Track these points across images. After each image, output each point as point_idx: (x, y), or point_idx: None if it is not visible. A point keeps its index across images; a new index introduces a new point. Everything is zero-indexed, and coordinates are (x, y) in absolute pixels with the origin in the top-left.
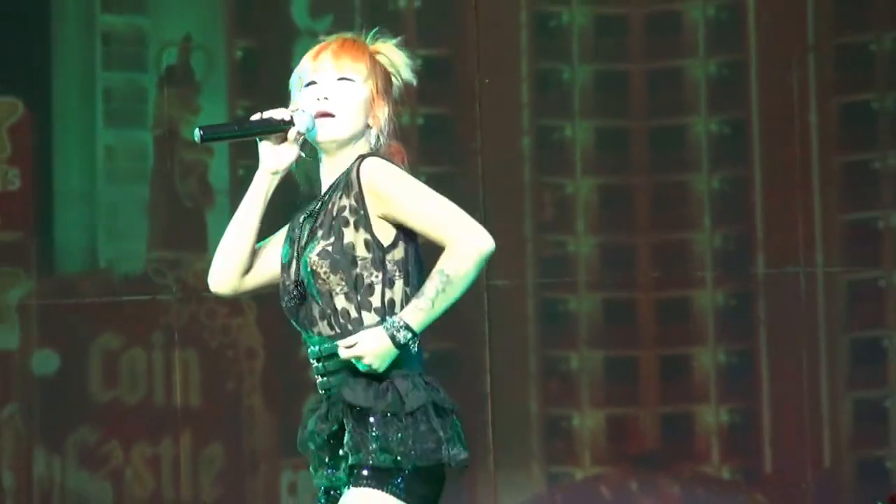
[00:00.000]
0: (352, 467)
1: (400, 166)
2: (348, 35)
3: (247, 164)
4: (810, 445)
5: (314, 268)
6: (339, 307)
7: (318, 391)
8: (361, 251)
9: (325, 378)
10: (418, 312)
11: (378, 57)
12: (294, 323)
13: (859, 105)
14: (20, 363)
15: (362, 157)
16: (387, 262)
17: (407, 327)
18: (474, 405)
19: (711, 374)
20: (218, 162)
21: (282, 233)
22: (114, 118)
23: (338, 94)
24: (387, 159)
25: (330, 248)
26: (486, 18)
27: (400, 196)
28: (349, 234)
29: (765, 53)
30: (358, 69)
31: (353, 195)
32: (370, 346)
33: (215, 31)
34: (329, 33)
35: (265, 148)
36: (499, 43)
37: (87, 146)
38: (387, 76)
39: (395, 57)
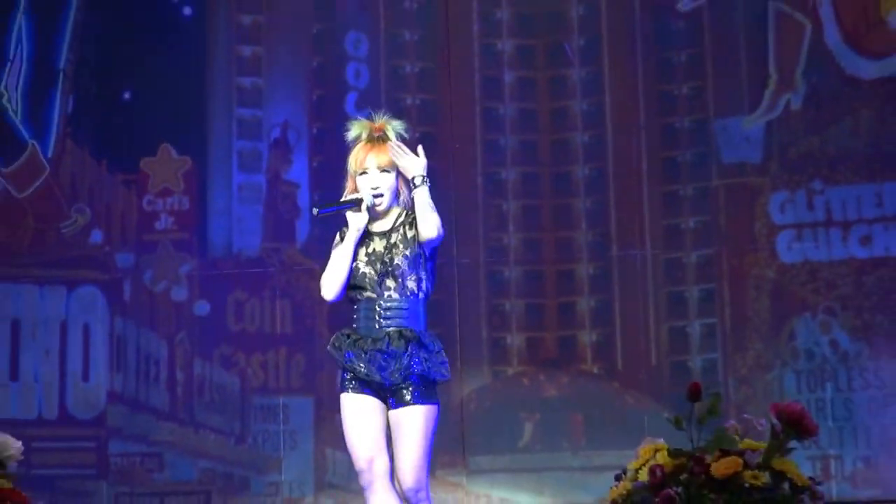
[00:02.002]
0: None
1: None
2: (377, 124)
3: (318, 194)
4: (643, 353)
5: (399, 264)
6: (407, 284)
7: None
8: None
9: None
10: (428, 198)
11: (392, 143)
12: (370, 292)
13: (671, 158)
14: (187, 308)
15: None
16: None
17: (423, 185)
18: (449, 332)
19: (587, 312)
20: (302, 192)
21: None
22: (243, 167)
23: (383, 182)
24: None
25: (408, 254)
26: (457, 110)
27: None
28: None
29: (616, 129)
30: (390, 163)
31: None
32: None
33: (302, 117)
34: (366, 118)
35: (351, 215)
36: (462, 122)
37: (227, 183)
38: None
39: (398, 128)
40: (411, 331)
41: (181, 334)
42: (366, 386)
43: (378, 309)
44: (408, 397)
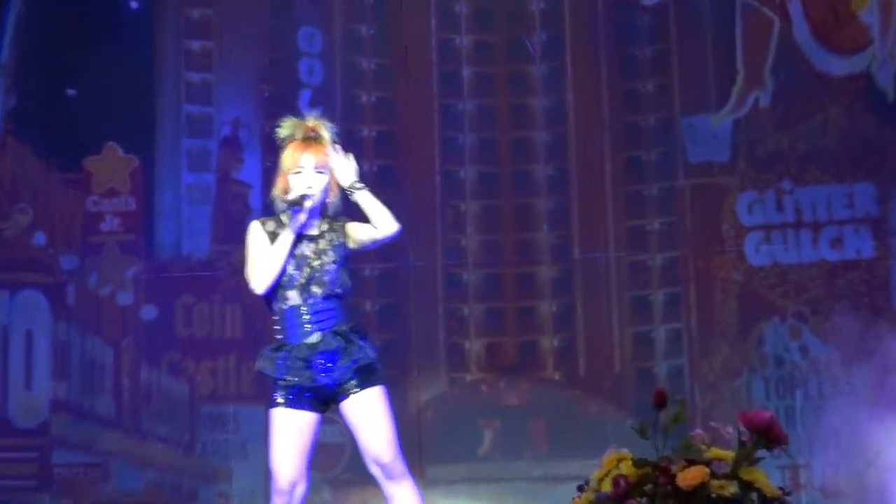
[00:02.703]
0: (360, 369)
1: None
2: (311, 124)
3: (270, 194)
4: (607, 359)
5: (329, 270)
6: (334, 290)
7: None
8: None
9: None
10: (370, 195)
11: (327, 144)
12: (299, 295)
13: (635, 158)
14: (133, 313)
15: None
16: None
17: (364, 187)
18: (406, 338)
19: (548, 317)
20: (254, 192)
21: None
22: (192, 166)
23: (317, 182)
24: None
25: (337, 260)
26: (414, 107)
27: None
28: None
29: (579, 127)
30: (325, 164)
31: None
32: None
33: (253, 114)
34: (320, 116)
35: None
36: (420, 120)
37: (175, 183)
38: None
39: (329, 130)
40: (341, 325)
41: (127, 340)
42: (303, 400)
43: (304, 315)
44: (358, 385)
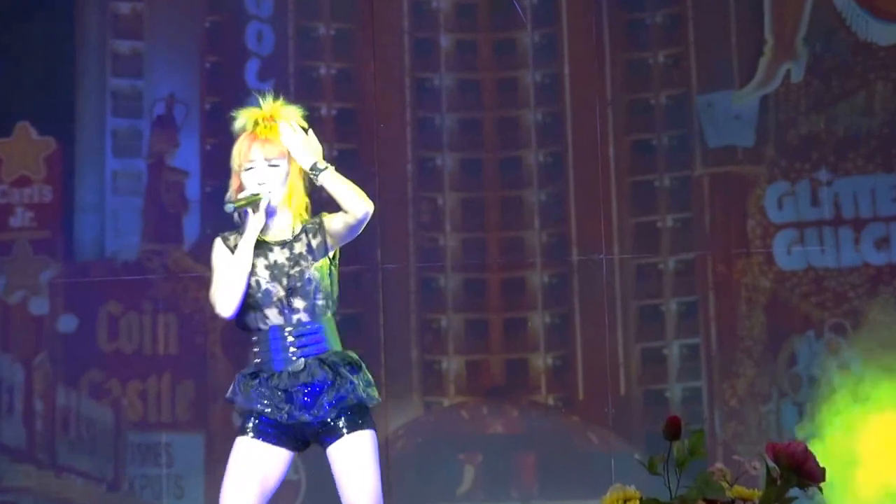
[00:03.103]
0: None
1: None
2: (267, 111)
3: (211, 184)
4: (610, 380)
5: (311, 278)
6: (318, 303)
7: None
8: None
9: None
10: (336, 175)
11: (285, 127)
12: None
13: (644, 142)
14: (49, 324)
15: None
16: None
17: (327, 167)
18: (372, 353)
19: (541, 330)
20: (192, 181)
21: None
22: (119, 150)
23: (271, 178)
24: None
25: (319, 266)
26: (382, 81)
27: None
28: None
29: (577, 105)
30: (280, 154)
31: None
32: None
33: (191, 89)
34: (271, 92)
35: (251, 216)
36: (389, 97)
37: (99, 170)
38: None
39: (293, 117)
40: (331, 353)
41: (41, 356)
42: (278, 434)
43: (289, 337)
44: (345, 428)
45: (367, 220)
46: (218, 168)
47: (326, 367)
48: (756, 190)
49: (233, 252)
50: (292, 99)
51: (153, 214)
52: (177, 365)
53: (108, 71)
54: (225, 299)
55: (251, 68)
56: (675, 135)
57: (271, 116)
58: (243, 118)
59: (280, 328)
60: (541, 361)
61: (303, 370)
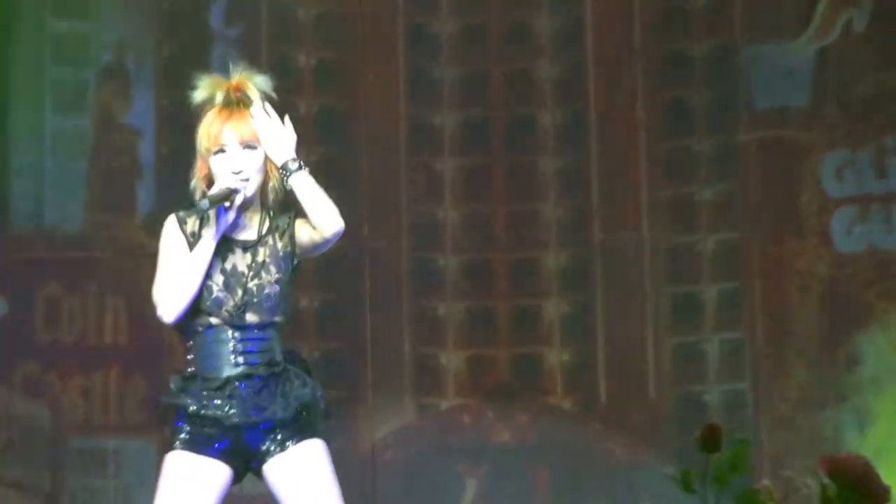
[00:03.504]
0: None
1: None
2: (235, 81)
3: (168, 145)
4: (637, 381)
5: (270, 294)
6: (274, 319)
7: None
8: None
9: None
10: (310, 179)
11: (257, 110)
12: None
13: (679, 101)
14: None
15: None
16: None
17: (301, 166)
18: (357, 347)
19: (556, 321)
20: (146, 142)
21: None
22: (60, 106)
23: (248, 163)
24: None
25: (281, 278)
26: (371, 25)
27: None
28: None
29: (600, 56)
30: (256, 136)
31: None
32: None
33: (146, 34)
34: (240, 38)
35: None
36: (379, 44)
37: (37, 129)
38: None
39: (261, 86)
40: (276, 357)
41: None
42: (215, 449)
43: (234, 345)
44: (296, 433)
45: (336, 240)
46: (176, 126)
47: (272, 370)
48: (811, 158)
49: (188, 241)
50: (264, 46)
51: (99, 180)
52: (126, 358)
53: (46, 10)
54: (171, 304)
55: (216, 11)
56: (717, 92)
57: (239, 86)
58: (207, 89)
59: (223, 331)
60: (556, 358)
61: (246, 374)
